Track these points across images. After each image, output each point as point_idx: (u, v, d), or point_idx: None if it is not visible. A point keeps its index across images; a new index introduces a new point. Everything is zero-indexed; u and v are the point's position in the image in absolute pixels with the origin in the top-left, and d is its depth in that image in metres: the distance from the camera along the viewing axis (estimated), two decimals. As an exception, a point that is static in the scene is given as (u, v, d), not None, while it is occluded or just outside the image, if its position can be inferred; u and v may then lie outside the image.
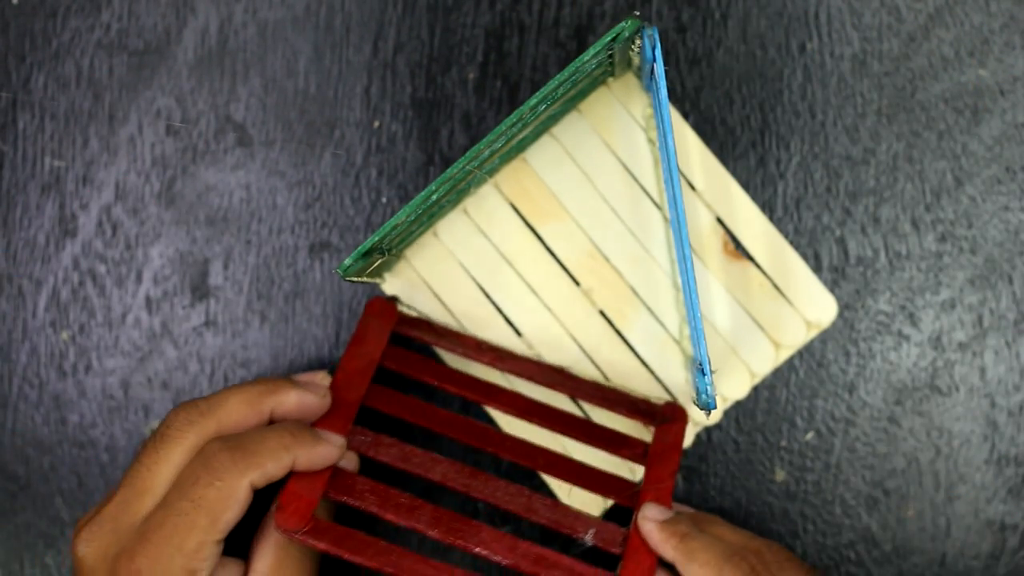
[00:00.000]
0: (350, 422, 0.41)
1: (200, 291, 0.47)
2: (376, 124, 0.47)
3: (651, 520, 0.39)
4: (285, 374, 0.46)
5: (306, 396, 0.39)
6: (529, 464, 0.42)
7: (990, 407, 0.46)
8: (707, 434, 0.46)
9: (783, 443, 0.46)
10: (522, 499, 0.40)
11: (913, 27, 0.46)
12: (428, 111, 0.46)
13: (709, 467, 0.46)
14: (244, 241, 0.47)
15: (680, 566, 0.38)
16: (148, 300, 0.47)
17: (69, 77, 0.47)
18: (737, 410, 0.46)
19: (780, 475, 0.46)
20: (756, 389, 0.46)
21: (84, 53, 0.47)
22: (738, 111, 0.46)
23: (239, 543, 0.39)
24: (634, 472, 0.44)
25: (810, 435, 0.46)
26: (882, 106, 0.46)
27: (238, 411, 0.38)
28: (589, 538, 0.39)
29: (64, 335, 0.47)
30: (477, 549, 0.38)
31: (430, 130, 0.46)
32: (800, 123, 0.46)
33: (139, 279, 0.47)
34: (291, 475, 0.38)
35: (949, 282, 0.46)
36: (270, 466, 0.37)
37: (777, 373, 0.46)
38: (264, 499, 0.39)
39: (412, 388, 0.45)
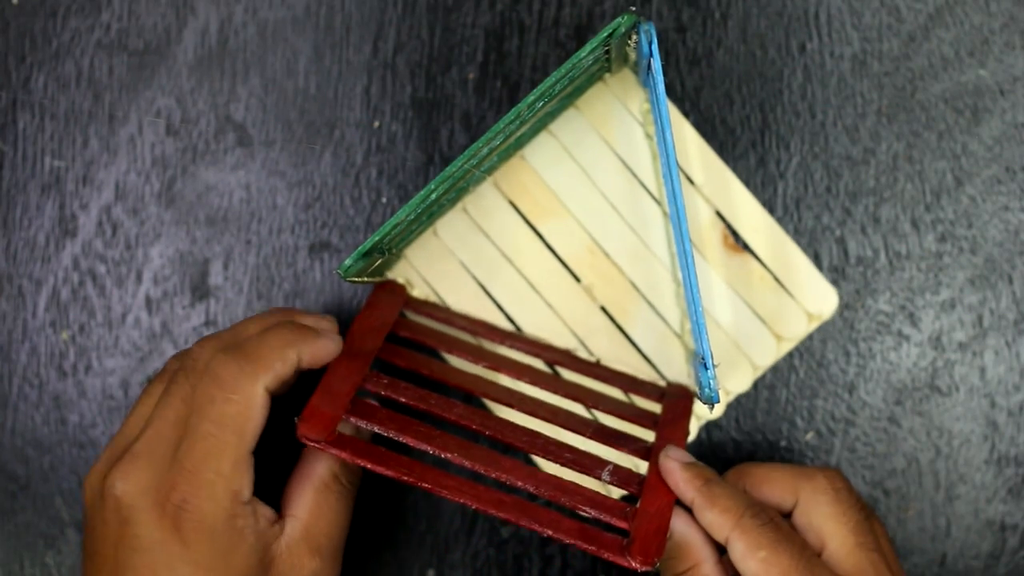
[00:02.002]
0: (367, 366, 0.40)
1: (200, 291, 0.47)
2: (376, 124, 0.47)
3: (674, 460, 0.39)
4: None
5: (329, 345, 0.39)
6: (545, 418, 0.41)
7: (990, 407, 0.46)
8: (707, 434, 0.46)
9: (783, 443, 0.46)
10: (539, 440, 0.40)
11: (913, 27, 0.46)
12: (428, 111, 0.46)
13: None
14: (244, 241, 0.47)
15: (699, 509, 0.37)
16: (148, 300, 0.47)
17: (69, 77, 0.47)
18: (737, 410, 0.46)
19: (780, 475, 0.46)
20: (757, 389, 0.46)
21: (84, 53, 0.47)
22: (738, 111, 0.46)
23: (270, 496, 0.39)
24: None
25: (810, 435, 0.46)
26: (882, 106, 0.46)
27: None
28: (606, 476, 0.39)
29: (64, 335, 0.47)
30: (496, 474, 0.38)
31: (430, 130, 0.46)
32: (800, 123, 0.46)
33: (139, 279, 0.47)
34: (313, 392, 0.38)
35: (949, 282, 0.46)
36: (278, 366, 0.37)
37: (777, 373, 0.46)
38: (294, 452, 0.39)
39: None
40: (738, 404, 0.46)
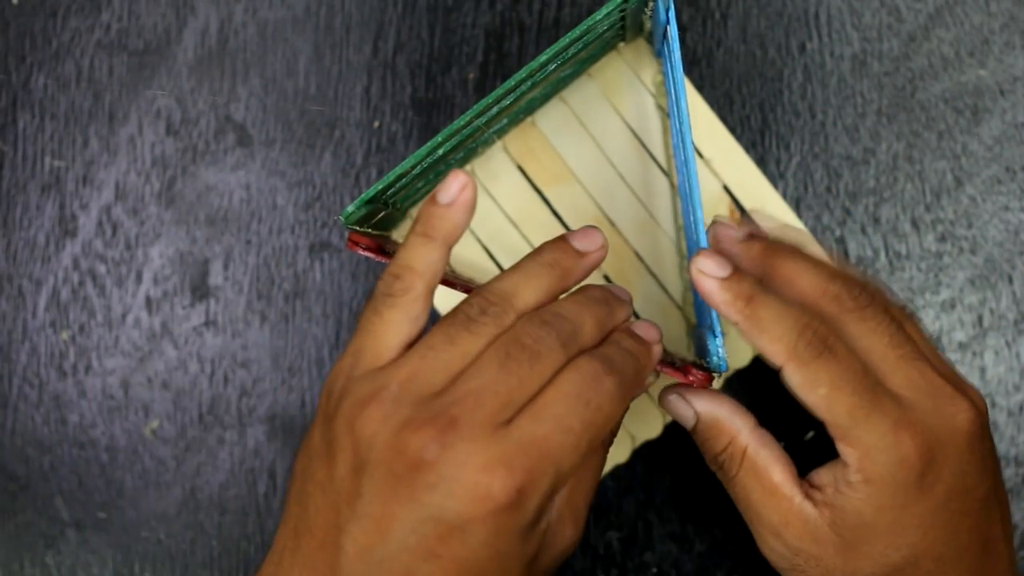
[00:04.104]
0: None
1: (200, 291, 0.47)
2: (376, 124, 0.47)
3: (710, 276, 0.35)
4: (285, 375, 0.46)
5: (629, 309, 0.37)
6: None
7: (990, 407, 0.46)
8: (707, 434, 0.46)
9: (783, 443, 0.46)
10: None
11: (913, 27, 0.46)
12: (428, 111, 0.46)
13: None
14: (244, 241, 0.47)
15: (746, 334, 0.34)
16: (148, 300, 0.47)
17: (69, 77, 0.47)
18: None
19: (780, 475, 0.46)
20: (755, 389, 0.46)
21: (84, 53, 0.47)
22: (738, 111, 0.46)
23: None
24: None
25: (810, 435, 0.46)
26: (882, 106, 0.46)
27: (592, 337, 0.34)
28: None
29: (64, 335, 0.47)
30: None
31: (430, 130, 0.46)
32: (800, 123, 0.46)
33: (139, 279, 0.47)
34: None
35: (949, 282, 0.46)
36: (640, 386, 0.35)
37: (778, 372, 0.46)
38: None
39: None
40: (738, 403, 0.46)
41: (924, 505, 0.34)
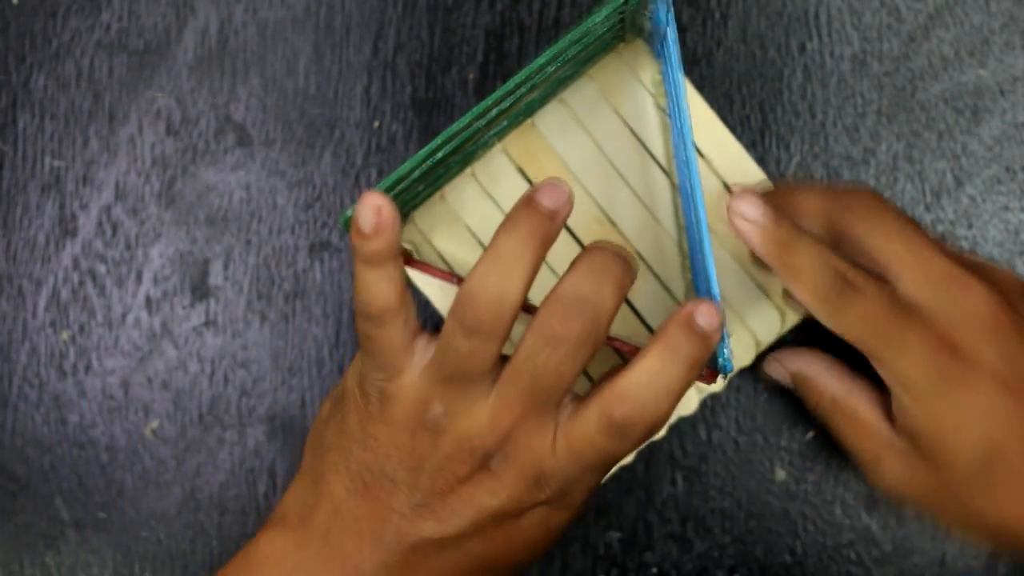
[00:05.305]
0: None
1: (200, 291, 0.47)
2: (376, 124, 0.47)
3: (749, 221, 0.36)
4: (285, 375, 0.47)
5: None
6: None
7: (990, 407, 0.46)
8: (707, 434, 0.46)
9: (783, 443, 0.46)
10: None
11: (913, 27, 0.46)
12: (428, 111, 0.46)
13: (709, 467, 0.46)
14: (244, 241, 0.47)
15: (783, 280, 0.37)
16: (148, 300, 0.47)
17: (69, 77, 0.47)
18: (737, 410, 0.46)
19: (780, 475, 0.46)
20: (756, 389, 0.46)
21: (84, 53, 0.47)
22: (738, 111, 0.46)
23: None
24: None
25: (810, 435, 0.46)
26: (882, 106, 0.46)
27: (612, 309, 0.35)
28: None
29: (64, 335, 0.47)
30: None
31: (430, 130, 0.46)
32: (800, 123, 0.46)
33: (139, 279, 0.47)
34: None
35: (949, 282, 0.46)
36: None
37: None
38: None
39: None
40: (738, 404, 0.46)
41: (978, 390, 0.36)
